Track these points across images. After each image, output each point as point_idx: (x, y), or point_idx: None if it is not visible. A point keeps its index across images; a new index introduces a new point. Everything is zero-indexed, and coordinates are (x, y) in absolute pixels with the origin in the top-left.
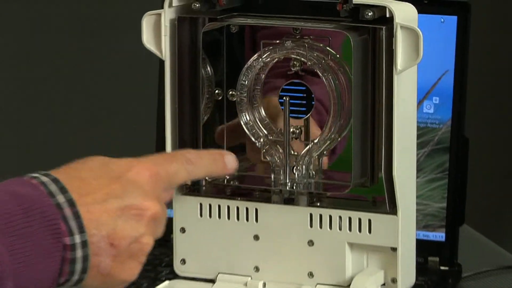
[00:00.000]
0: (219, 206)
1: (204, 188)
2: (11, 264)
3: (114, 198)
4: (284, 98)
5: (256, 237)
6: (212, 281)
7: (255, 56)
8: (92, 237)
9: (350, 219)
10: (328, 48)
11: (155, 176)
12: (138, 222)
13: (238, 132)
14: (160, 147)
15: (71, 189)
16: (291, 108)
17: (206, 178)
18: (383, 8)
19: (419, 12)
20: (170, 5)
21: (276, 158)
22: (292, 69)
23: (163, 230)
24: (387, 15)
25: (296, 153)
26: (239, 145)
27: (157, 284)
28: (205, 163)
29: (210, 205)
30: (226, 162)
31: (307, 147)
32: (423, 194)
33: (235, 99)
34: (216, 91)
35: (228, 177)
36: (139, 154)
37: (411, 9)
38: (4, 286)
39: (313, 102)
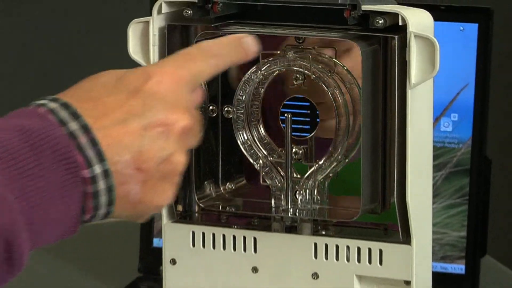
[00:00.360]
0: (213, 235)
1: (197, 214)
2: (24, 211)
3: (135, 115)
4: (285, 115)
5: (255, 270)
6: None
7: (253, 68)
8: (115, 165)
9: (359, 249)
10: (334, 59)
11: (179, 82)
12: (166, 139)
13: (235, 152)
14: None
15: (84, 112)
16: (293, 126)
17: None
18: (395, 15)
19: (436, 19)
20: (159, 11)
21: (277, 182)
22: (295, 82)
23: (197, 140)
24: (400, 23)
25: (299, 176)
26: (236, 167)
27: None
28: (227, 53)
29: (203, 234)
30: (246, 47)
31: (311, 170)
32: (441, 221)
33: (231, 116)
34: (210, 107)
35: (222, 204)
36: None
37: (426, 16)
38: (18, 241)
39: (317, 120)
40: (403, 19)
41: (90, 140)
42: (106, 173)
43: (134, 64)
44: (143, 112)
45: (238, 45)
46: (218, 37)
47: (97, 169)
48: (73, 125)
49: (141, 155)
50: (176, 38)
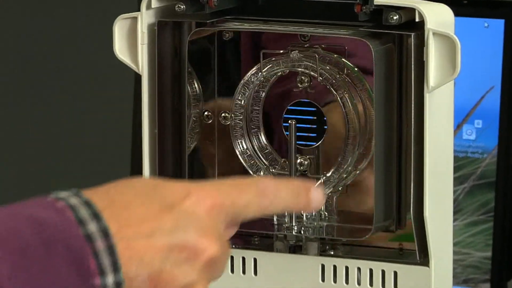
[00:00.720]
0: None
1: None
2: None
3: (164, 232)
4: (289, 121)
5: None
6: None
7: (254, 69)
8: (130, 281)
9: (371, 271)
10: (343, 59)
11: (219, 208)
12: (191, 265)
13: (232, 162)
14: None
15: (109, 215)
16: (298, 134)
17: None
18: (411, 11)
19: (457, 14)
20: (149, 6)
21: None
22: (300, 85)
23: (222, 273)
24: (417, 19)
25: None
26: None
27: None
28: (283, 197)
29: None
30: (312, 198)
31: (318, 182)
32: (463, 240)
33: (228, 123)
34: (205, 113)
35: None
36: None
37: (446, 11)
38: None
39: (325, 127)
40: (420, 15)
41: (108, 247)
42: (119, 285)
43: (120, 65)
44: (174, 231)
45: (302, 194)
46: (283, 178)
47: (110, 279)
48: (92, 227)
49: (161, 276)
50: (167, 36)
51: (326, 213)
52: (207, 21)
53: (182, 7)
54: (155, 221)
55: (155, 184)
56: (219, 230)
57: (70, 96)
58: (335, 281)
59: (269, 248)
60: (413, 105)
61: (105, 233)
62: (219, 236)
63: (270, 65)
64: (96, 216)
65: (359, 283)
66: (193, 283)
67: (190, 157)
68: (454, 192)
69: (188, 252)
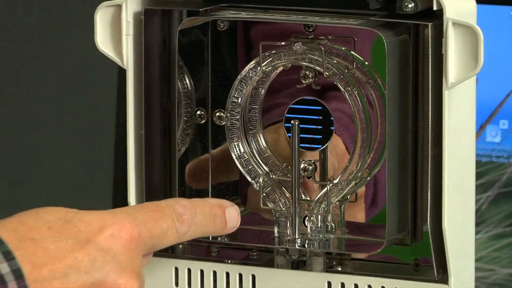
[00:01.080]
0: (201, 272)
1: (180, 246)
2: None
3: (80, 271)
4: (292, 122)
5: None
6: None
7: (252, 63)
8: None
9: None
10: (353, 52)
11: (136, 241)
12: None
13: (227, 167)
14: (119, 190)
15: (21, 255)
16: (301, 136)
17: None
18: None
19: (480, 2)
20: None
21: (281, 205)
22: (303, 81)
23: None
24: (435, 7)
25: (309, 198)
26: (229, 187)
27: None
28: (201, 221)
29: (189, 270)
30: (228, 219)
31: (324, 190)
32: (486, 255)
33: (223, 123)
34: (198, 112)
35: None
36: (91, 200)
37: None
38: None
39: (332, 128)
40: (439, 3)
41: None
42: None
43: (102, 58)
44: (90, 270)
45: (219, 215)
46: (196, 199)
47: None
48: (4, 267)
49: None
50: (155, 26)
51: (333, 225)
52: (200, 9)
53: None
54: (69, 258)
55: (68, 216)
56: (137, 264)
57: (45, 94)
58: None
59: (269, 263)
60: (430, 104)
61: (18, 275)
62: (138, 271)
63: (271, 59)
64: (8, 255)
65: None
66: None
67: (181, 162)
68: (477, 201)
69: None
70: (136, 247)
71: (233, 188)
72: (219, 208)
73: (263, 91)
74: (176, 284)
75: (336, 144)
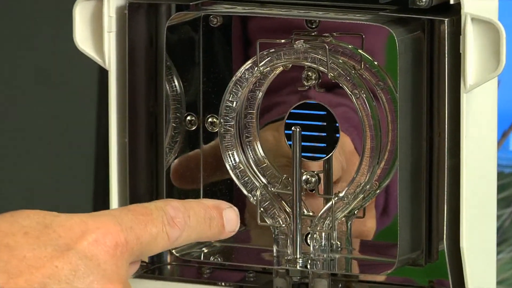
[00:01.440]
0: None
1: (169, 267)
2: None
3: (60, 281)
4: (293, 128)
5: None
6: None
7: (248, 63)
8: None
9: None
10: (360, 51)
11: (122, 247)
12: None
13: (221, 179)
14: (100, 200)
15: None
16: (303, 144)
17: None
18: None
19: None
20: None
21: (281, 221)
22: (306, 83)
23: None
24: (451, 1)
25: (311, 213)
26: (223, 200)
27: None
28: (195, 225)
29: None
30: (225, 222)
31: (329, 204)
32: (509, 277)
33: (216, 130)
34: (188, 118)
35: (205, 251)
36: (71, 207)
37: None
38: None
39: (337, 135)
40: None
41: None
42: None
43: (81, 57)
44: (71, 280)
45: (216, 217)
46: (189, 200)
47: None
48: None
49: None
50: (140, 22)
51: (338, 243)
52: (190, 3)
53: None
54: (49, 268)
55: (46, 221)
56: (124, 273)
57: (18, 96)
58: None
59: (268, 285)
60: (446, 109)
61: None
62: (124, 281)
63: (269, 58)
64: None
65: None
66: None
67: (169, 172)
68: (498, 217)
69: None
70: (122, 254)
71: (227, 200)
72: (216, 210)
73: (260, 94)
74: None
75: (344, 142)
